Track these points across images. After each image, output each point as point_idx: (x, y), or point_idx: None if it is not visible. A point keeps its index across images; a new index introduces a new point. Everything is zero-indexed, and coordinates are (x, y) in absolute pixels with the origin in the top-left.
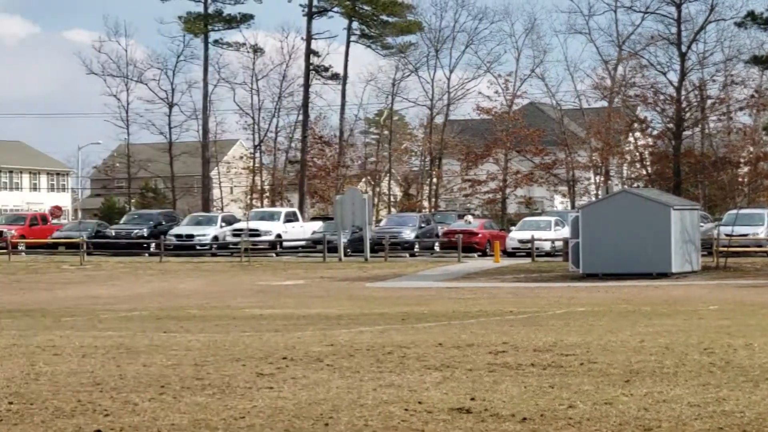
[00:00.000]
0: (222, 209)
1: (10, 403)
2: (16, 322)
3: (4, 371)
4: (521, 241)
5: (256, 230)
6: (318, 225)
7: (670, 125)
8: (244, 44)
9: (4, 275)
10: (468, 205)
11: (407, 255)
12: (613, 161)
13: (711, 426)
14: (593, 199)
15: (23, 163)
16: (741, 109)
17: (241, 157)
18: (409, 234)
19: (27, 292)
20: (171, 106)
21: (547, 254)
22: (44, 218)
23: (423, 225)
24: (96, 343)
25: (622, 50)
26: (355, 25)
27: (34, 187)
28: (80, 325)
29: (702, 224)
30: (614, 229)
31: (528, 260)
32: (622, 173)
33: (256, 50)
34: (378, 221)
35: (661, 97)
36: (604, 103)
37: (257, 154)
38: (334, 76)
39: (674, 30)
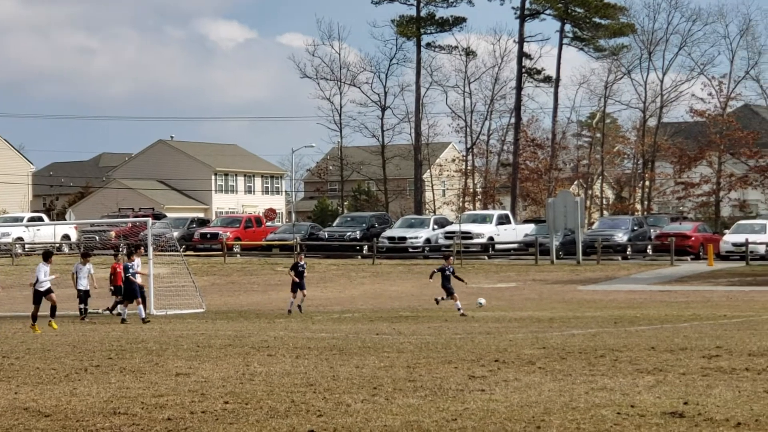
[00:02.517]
0: (434, 212)
1: (226, 402)
2: (231, 324)
3: (220, 371)
4: (735, 245)
5: (469, 233)
6: (530, 228)
7: None
8: (457, 47)
9: (219, 277)
10: (681, 208)
11: (619, 258)
12: None
13: None
14: None
15: (238, 166)
16: None
17: (454, 160)
18: (621, 237)
19: (241, 294)
20: (383, 109)
21: (762, 258)
22: (258, 221)
23: (635, 228)
24: (309, 344)
25: None
26: (567, 27)
27: (249, 190)
28: (293, 327)
29: None
30: None
31: (742, 264)
32: None
33: (469, 53)
34: (590, 224)
35: None
36: None
37: (469, 157)
38: (547, 79)
39: None
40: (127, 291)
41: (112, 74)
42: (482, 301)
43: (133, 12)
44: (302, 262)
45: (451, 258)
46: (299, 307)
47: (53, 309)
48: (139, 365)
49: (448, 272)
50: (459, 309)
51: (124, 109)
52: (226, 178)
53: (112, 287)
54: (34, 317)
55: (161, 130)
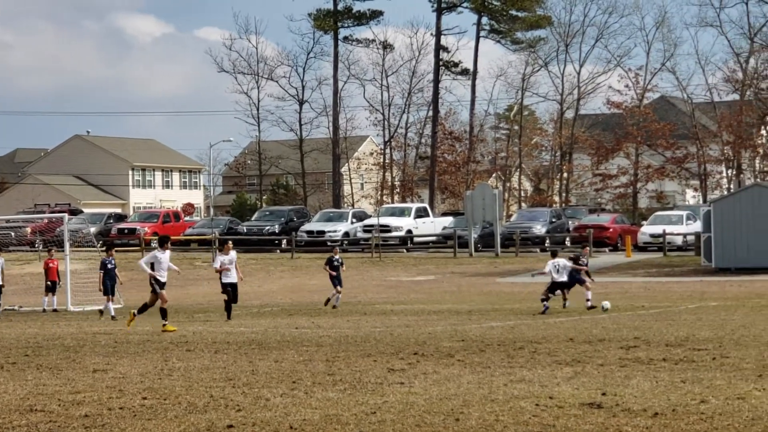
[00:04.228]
0: (353, 205)
1: (144, 398)
2: (150, 319)
3: (138, 367)
4: (653, 236)
5: (387, 226)
6: (448, 220)
7: None
8: (374, 40)
9: (137, 272)
10: (599, 199)
11: (538, 250)
12: (746, 154)
13: None
14: (725, 192)
15: (156, 160)
16: None
17: (372, 153)
18: (539, 229)
19: None
20: (301, 103)
21: (679, 248)
22: (177, 215)
23: (554, 220)
24: (228, 339)
25: (753, 42)
26: (484, 20)
27: (167, 185)
28: (213, 321)
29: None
30: (747, 223)
31: (659, 255)
32: (755, 166)
33: (386, 46)
34: (509, 216)
35: None
36: (736, 96)
37: (387, 150)
38: (464, 72)
39: None
40: (107, 286)
41: (27, 68)
42: (606, 304)
43: (48, 5)
44: (337, 257)
45: (587, 248)
46: (334, 305)
47: (146, 307)
48: (56, 362)
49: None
50: (566, 302)
51: (39, 104)
52: (144, 173)
53: (48, 282)
54: (164, 312)
55: (78, 125)
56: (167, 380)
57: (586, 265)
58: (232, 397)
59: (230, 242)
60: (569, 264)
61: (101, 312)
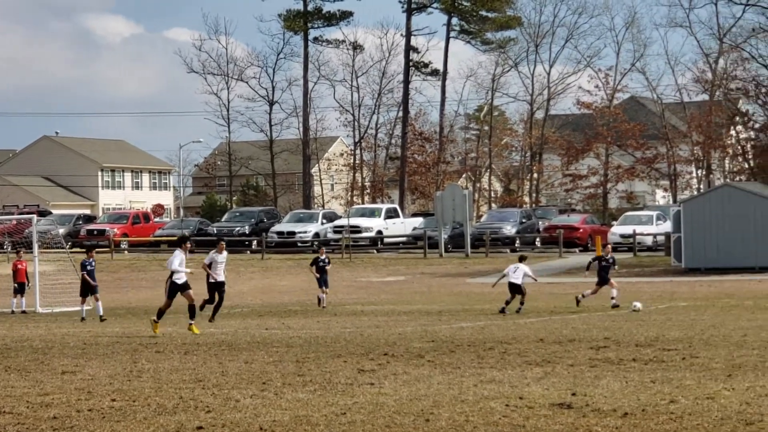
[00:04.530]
0: (323, 206)
1: (113, 400)
2: (119, 321)
3: (108, 368)
4: (623, 236)
5: (357, 227)
6: (418, 221)
7: None
8: (344, 41)
9: (107, 273)
10: (569, 200)
11: (508, 250)
12: (715, 155)
13: None
14: (695, 193)
15: (125, 161)
16: None
17: (342, 154)
18: (509, 229)
19: (130, 291)
20: (271, 103)
21: (649, 249)
22: (146, 216)
23: (524, 220)
24: (198, 340)
25: (723, 43)
26: (454, 20)
27: (137, 186)
28: (182, 322)
29: None
30: (716, 223)
31: (630, 255)
32: (724, 167)
33: (356, 47)
34: (479, 217)
35: (763, 89)
36: (706, 97)
37: (357, 151)
38: (434, 72)
39: None
40: (86, 287)
41: None
42: (638, 304)
43: (16, 5)
44: (323, 257)
45: (609, 246)
46: (323, 305)
47: (192, 309)
48: (24, 364)
49: (606, 263)
50: (613, 299)
51: (7, 105)
52: (113, 174)
53: (16, 284)
54: (161, 313)
55: (46, 125)
56: (136, 382)
57: (613, 262)
58: (202, 398)
59: (223, 242)
60: (529, 272)
61: (101, 318)
